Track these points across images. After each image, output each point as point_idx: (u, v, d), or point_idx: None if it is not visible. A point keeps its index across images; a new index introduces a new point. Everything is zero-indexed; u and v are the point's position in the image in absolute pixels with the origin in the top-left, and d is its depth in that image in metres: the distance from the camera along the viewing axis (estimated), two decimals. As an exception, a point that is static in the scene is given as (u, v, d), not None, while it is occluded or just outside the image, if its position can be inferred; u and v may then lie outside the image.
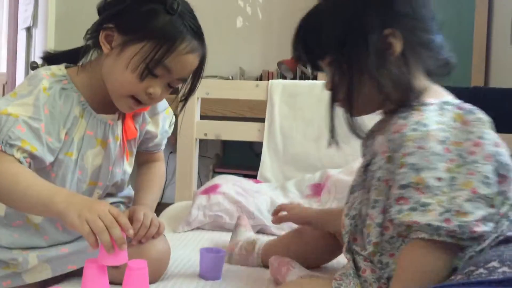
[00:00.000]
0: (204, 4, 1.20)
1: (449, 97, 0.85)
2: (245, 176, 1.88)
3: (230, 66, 3.25)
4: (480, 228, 0.71)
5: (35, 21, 2.93)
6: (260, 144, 2.05)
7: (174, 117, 1.27)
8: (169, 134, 1.27)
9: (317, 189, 1.72)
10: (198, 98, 2.05)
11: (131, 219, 1.02)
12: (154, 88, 1.00)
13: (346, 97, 0.87)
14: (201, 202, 1.62)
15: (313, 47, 0.91)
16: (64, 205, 0.86)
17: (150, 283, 1.06)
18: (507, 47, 2.20)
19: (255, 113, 2.48)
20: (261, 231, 1.59)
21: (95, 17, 1.03)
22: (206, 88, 2.03)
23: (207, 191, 1.67)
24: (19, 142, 0.92)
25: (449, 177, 0.74)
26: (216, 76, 2.94)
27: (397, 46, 0.84)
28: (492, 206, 0.73)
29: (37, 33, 2.90)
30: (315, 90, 2.00)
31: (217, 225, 1.59)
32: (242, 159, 3.17)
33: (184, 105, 1.10)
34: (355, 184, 0.93)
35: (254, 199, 1.64)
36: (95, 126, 1.05)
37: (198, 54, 1.01)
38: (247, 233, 1.28)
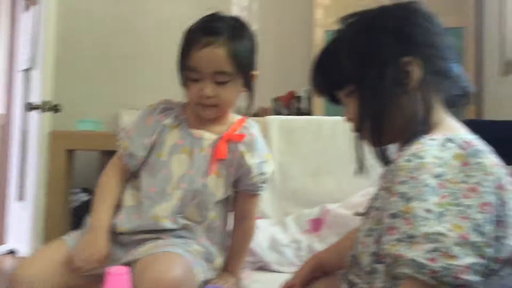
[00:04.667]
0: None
1: (461, 132, 0.82)
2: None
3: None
4: (466, 276, 0.67)
5: (34, 63, 2.97)
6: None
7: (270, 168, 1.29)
8: (265, 179, 1.28)
9: (316, 224, 1.72)
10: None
11: None
12: (203, 90, 1.18)
13: (370, 126, 0.87)
14: (201, 239, 1.61)
15: (332, 77, 0.92)
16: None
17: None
18: (498, 78, 2.25)
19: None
20: (262, 268, 1.59)
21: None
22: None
23: (206, 229, 1.67)
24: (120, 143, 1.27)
25: (438, 212, 0.70)
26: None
27: (416, 74, 0.83)
28: (481, 256, 0.68)
29: (36, 75, 2.94)
30: (311, 126, 2.03)
31: (217, 263, 1.58)
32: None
33: (251, 93, 1.39)
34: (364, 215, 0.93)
35: (254, 235, 1.64)
36: (185, 137, 1.25)
37: (216, 46, 1.17)
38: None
